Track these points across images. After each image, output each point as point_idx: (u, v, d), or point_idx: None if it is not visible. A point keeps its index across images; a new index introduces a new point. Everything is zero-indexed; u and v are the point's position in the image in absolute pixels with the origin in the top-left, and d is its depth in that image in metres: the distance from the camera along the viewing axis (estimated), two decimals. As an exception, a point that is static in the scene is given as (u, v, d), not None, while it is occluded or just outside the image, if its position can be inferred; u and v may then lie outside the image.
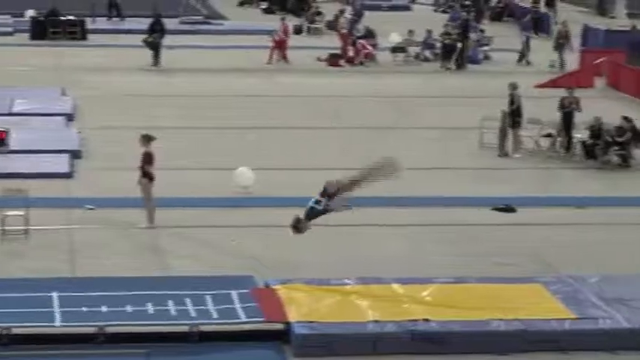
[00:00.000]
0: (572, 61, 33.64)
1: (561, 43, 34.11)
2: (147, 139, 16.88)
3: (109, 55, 34.47)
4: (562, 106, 22.80)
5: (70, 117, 24.86)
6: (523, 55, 34.84)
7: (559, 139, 22.70)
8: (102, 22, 40.20)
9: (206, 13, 43.38)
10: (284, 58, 34.40)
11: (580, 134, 22.60)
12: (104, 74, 31.13)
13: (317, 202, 13.59)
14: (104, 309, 13.00)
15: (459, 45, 34.15)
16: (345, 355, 12.36)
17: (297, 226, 13.63)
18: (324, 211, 13.43)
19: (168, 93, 28.67)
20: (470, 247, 16.36)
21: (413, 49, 35.89)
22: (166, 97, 28.00)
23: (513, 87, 22.98)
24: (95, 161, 21.12)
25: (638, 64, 32.32)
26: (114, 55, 34.32)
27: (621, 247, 16.60)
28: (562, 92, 23.68)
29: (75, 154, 21.21)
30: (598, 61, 32.22)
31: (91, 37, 38.06)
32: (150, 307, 13.13)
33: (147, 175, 16.72)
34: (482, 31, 37.88)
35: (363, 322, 12.88)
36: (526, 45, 35.02)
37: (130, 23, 39.80)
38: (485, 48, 36.41)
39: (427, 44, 36.05)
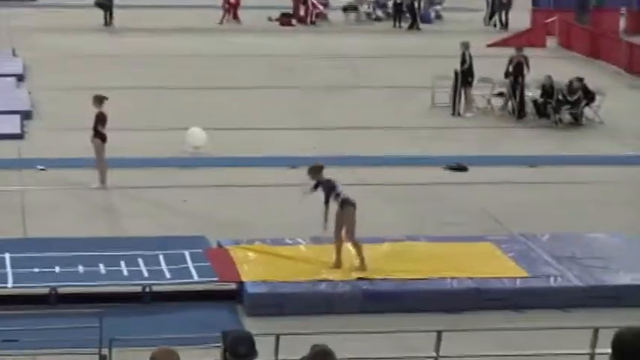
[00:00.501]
0: (518, 20, 33.70)
1: (504, 3, 33.99)
2: (99, 99, 16.68)
3: (60, 15, 34.00)
4: (510, 65, 22.75)
5: (20, 77, 24.52)
6: (493, 14, 34.59)
7: (510, 100, 22.70)
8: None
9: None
10: (235, 18, 34.13)
11: (531, 93, 22.65)
12: (55, 35, 30.71)
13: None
14: (57, 270, 12.87)
15: (410, 4, 34.02)
16: (297, 314, 12.33)
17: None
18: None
19: (120, 53, 28.33)
20: (422, 207, 16.37)
21: (364, 9, 35.79)
22: (118, 58, 27.67)
23: (465, 46, 22.95)
24: (46, 122, 20.86)
25: (585, 23, 32.54)
26: (64, 16, 33.86)
27: (572, 205, 16.68)
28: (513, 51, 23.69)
29: (26, 115, 20.93)
30: (549, 20, 32.32)
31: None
32: (102, 268, 13.02)
33: (99, 136, 16.53)
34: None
35: (316, 281, 12.86)
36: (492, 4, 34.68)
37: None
38: (437, 7, 36.37)
39: (379, 3, 35.95)
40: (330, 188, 12.91)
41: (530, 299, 12.89)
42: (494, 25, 33.33)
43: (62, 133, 19.66)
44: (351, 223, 12.93)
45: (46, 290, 12.41)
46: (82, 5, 34.58)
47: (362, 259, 13.11)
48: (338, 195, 12.94)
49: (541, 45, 30.75)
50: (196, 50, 29.06)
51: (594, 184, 17.75)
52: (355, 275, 12.97)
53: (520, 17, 33.94)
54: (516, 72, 22.50)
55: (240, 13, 34.16)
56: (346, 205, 12.90)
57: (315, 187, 13.07)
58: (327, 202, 12.99)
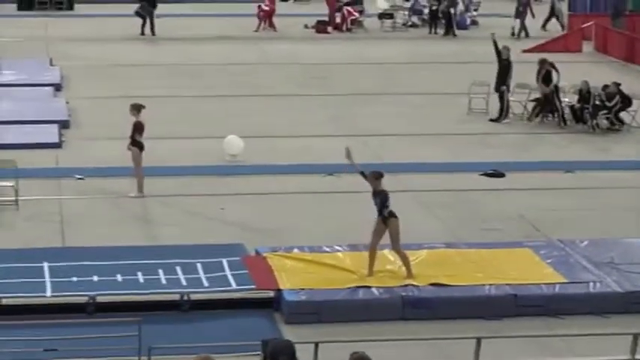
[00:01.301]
0: (554, 25, 33.51)
1: (521, 11, 33.68)
2: (137, 108, 16.75)
3: (97, 25, 34.23)
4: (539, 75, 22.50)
5: (58, 87, 24.70)
6: (547, 20, 34.18)
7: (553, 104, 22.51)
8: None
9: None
10: (271, 25, 34.21)
11: (568, 98, 22.52)
12: (92, 44, 30.92)
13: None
14: (95, 278, 12.93)
15: (446, 10, 33.88)
16: (336, 322, 12.32)
17: None
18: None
19: (157, 62, 28.48)
20: (459, 213, 16.31)
21: (400, 15, 35.75)
22: (155, 67, 27.82)
23: (507, 50, 22.76)
24: (84, 131, 21.00)
25: (621, 27, 32.31)
26: (101, 25, 34.08)
27: (610, 211, 16.56)
28: (550, 57, 23.55)
29: (64, 124, 21.07)
30: (585, 25, 32.12)
31: (77, 7, 37.79)
32: (140, 276, 13.07)
33: (137, 144, 16.61)
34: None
35: (354, 288, 12.84)
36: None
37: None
38: (474, 13, 36.25)
39: (415, 10, 35.89)
40: (383, 200, 12.91)
41: (569, 305, 12.82)
42: (512, 34, 32.89)
43: (100, 142, 19.78)
44: (396, 234, 12.94)
45: (84, 299, 12.47)
46: (120, 14, 34.79)
47: (408, 267, 13.11)
48: (387, 207, 12.92)
49: (577, 50, 30.57)
50: (233, 58, 29.16)
51: (632, 190, 17.63)
52: (404, 283, 12.95)
53: (555, 22, 33.78)
54: (547, 81, 22.34)
55: (277, 20, 34.22)
56: (392, 217, 12.90)
57: (363, 175, 13.01)
58: (379, 205, 12.93)
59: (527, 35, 32.99)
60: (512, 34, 32.91)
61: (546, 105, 22.26)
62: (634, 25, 33.13)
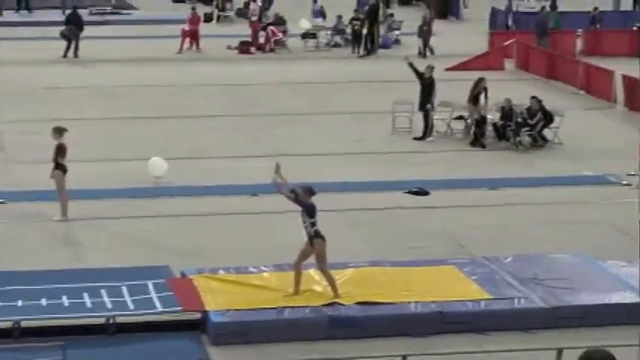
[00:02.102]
0: (476, 44, 33.99)
1: (425, 30, 34.15)
2: (58, 131, 16.62)
3: (20, 48, 33.86)
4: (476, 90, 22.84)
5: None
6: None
7: (469, 120, 22.87)
8: (10, 15, 39.53)
9: (115, 3, 42.94)
10: (196, 46, 34.19)
11: (491, 116, 22.85)
12: (15, 67, 30.59)
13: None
14: (19, 303, 12.80)
15: (365, 31, 34.19)
16: (262, 342, 12.34)
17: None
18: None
19: (80, 84, 28.26)
20: (384, 231, 16.44)
21: (323, 35, 35.97)
22: (78, 89, 27.60)
23: (430, 69, 23.05)
24: (7, 154, 20.76)
25: (547, 45, 32.89)
26: (25, 48, 33.72)
27: (533, 227, 16.80)
28: (472, 75, 23.90)
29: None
30: (507, 43, 32.64)
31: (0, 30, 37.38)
32: (65, 300, 12.96)
33: (60, 167, 16.47)
34: (391, 15, 38.10)
35: (280, 308, 12.87)
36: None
37: (39, 15, 39.21)
38: (396, 33, 36.61)
39: (337, 30, 36.14)
40: (310, 213, 12.91)
41: (494, 322, 12.97)
42: (419, 53, 33.29)
43: (24, 166, 19.57)
44: (321, 254, 12.98)
45: (9, 324, 12.33)
46: (41, 37, 34.50)
47: (334, 287, 13.17)
48: (313, 224, 12.94)
49: (499, 68, 31.04)
50: (156, 80, 29.06)
51: (554, 205, 17.91)
52: (330, 301, 12.99)
53: (478, 41, 34.27)
54: (475, 101, 22.69)
55: (201, 41, 34.23)
56: (318, 237, 12.93)
57: (296, 198, 13.00)
58: (296, 200, 12.95)
59: (432, 53, 33.48)
60: (420, 53, 33.37)
61: (481, 127, 22.45)
62: (555, 42, 33.77)
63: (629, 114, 25.68)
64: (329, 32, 36.15)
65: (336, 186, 18.63)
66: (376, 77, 29.74)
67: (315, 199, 13.05)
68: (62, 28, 32.82)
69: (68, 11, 33.75)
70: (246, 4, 38.21)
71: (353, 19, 34.92)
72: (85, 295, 13.14)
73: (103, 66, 31.23)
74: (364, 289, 13.41)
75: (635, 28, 35.68)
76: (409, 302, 13.12)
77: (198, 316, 12.80)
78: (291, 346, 12.19)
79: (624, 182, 19.16)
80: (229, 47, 34.54)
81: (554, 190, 18.83)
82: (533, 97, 22.63)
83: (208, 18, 39.30)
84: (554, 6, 37.81)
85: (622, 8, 41.08)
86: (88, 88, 27.70)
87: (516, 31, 34.87)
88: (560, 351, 10.53)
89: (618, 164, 19.79)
